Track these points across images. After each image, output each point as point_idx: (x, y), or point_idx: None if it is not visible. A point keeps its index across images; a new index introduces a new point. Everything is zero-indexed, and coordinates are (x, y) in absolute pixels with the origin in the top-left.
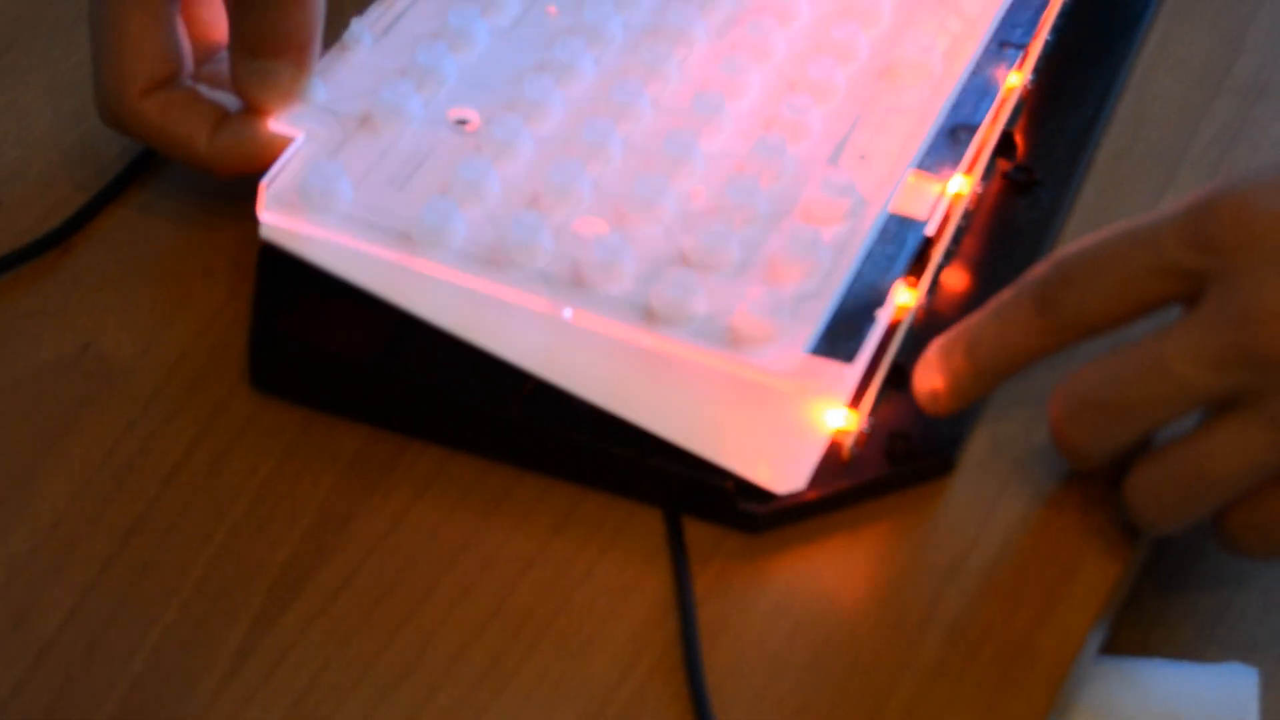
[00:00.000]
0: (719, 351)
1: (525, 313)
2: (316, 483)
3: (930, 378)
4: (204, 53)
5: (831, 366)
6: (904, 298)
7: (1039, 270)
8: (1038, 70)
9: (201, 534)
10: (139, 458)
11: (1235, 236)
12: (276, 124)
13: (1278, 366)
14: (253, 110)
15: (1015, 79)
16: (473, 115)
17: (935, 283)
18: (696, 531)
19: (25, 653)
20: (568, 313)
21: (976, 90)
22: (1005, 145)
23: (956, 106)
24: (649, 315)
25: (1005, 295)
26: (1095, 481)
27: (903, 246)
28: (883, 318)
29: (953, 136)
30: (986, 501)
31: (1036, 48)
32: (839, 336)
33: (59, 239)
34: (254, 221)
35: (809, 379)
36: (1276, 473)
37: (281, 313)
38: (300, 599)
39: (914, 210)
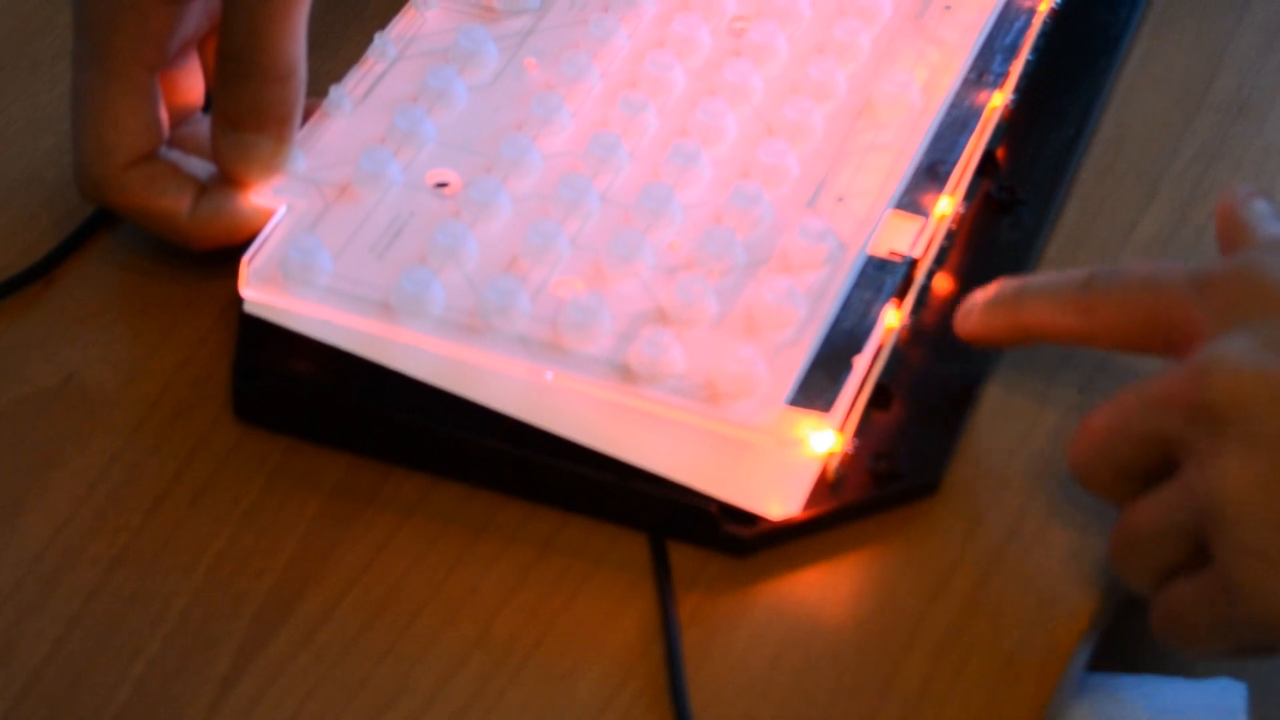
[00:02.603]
0: (697, 407)
1: (506, 377)
2: (300, 512)
3: (976, 300)
4: (179, 116)
5: (810, 417)
6: (889, 318)
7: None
8: (1019, 90)
9: (185, 564)
10: (122, 489)
11: (1233, 295)
12: (257, 197)
13: (1204, 414)
14: (232, 182)
15: (997, 99)
16: (452, 177)
17: (919, 302)
18: (681, 555)
19: (10, 686)
20: (549, 376)
21: (956, 123)
22: (988, 164)
23: (935, 141)
24: (627, 374)
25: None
26: (1078, 499)
27: (880, 290)
28: (860, 364)
29: (931, 172)
30: (970, 521)
31: (1017, 68)
32: (817, 386)
33: (41, 272)
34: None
35: (787, 431)
36: (1190, 544)
37: (264, 343)
38: (284, 628)
39: (893, 247)
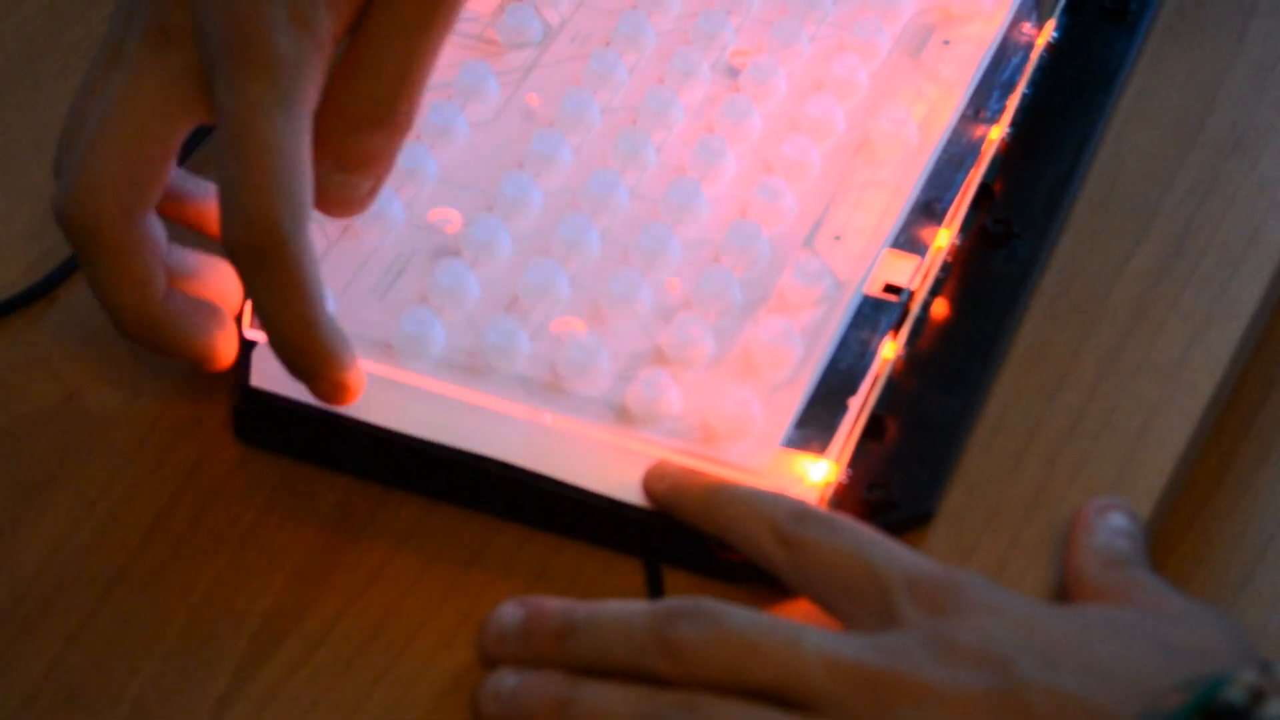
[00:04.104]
0: (694, 449)
1: (505, 419)
2: (298, 533)
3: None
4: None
5: (805, 458)
6: (884, 351)
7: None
8: (1015, 123)
9: (183, 584)
10: (122, 508)
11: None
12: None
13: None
14: (329, 213)
15: (994, 134)
16: (453, 215)
17: (914, 333)
18: (675, 581)
19: (6, 704)
20: (548, 419)
21: (953, 160)
22: (984, 197)
23: (932, 178)
24: (624, 416)
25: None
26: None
27: (876, 329)
28: (855, 405)
29: (928, 210)
30: (964, 551)
31: (1014, 103)
32: (812, 427)
33: (44, 290)
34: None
35: (782, 473)
36: None
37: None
38: (282, 649)
39: (889, 282)
